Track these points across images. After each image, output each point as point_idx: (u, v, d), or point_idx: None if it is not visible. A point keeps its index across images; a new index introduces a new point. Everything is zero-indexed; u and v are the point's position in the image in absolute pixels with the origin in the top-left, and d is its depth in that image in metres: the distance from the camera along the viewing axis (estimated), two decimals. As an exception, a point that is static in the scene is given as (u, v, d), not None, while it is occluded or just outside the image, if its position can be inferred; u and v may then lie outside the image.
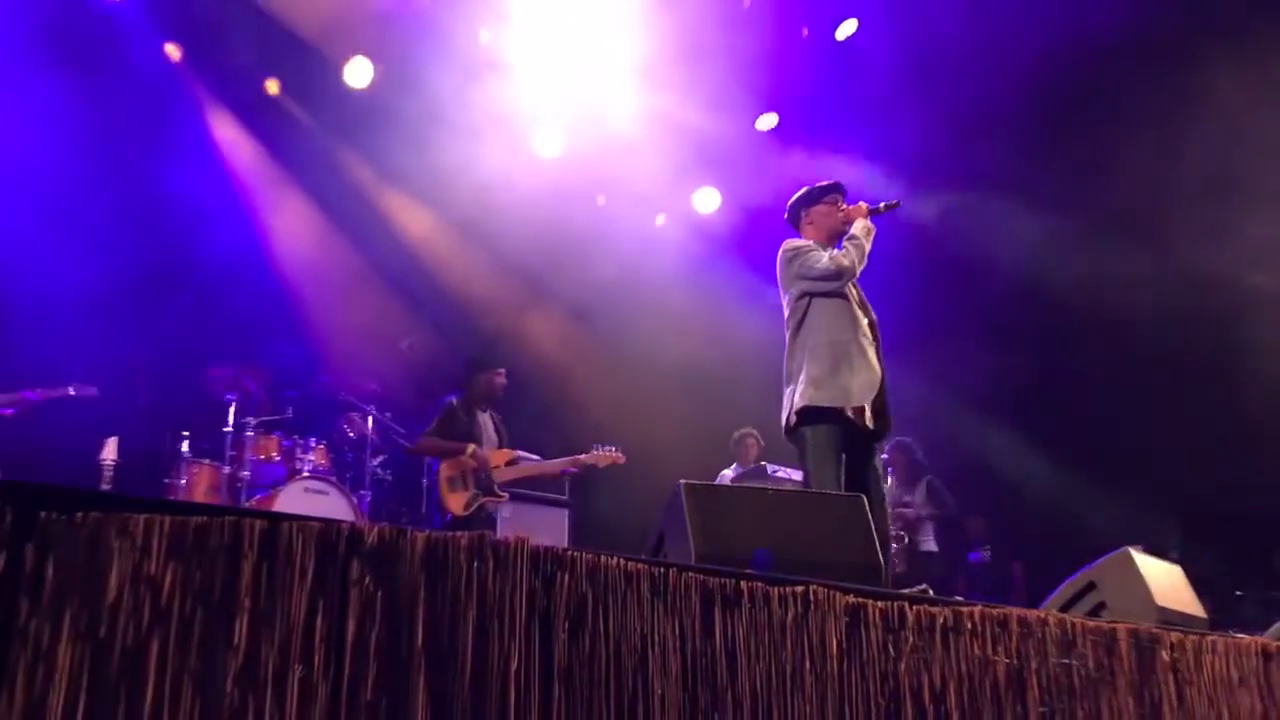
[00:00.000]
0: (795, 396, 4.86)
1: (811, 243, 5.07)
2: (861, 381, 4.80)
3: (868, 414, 4.86)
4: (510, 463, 6.97)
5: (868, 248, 4.98)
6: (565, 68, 9.13)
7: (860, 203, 5.16)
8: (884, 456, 8.47)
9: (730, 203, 9.91)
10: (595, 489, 8.19)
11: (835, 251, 4.96)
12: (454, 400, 7.00)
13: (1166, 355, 8.23)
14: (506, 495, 6.86)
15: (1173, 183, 7.75)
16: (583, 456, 7.08)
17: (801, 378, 4.85)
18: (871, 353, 4.89)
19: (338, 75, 8.75)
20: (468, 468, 6.74)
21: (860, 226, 5.02)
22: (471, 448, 6.75)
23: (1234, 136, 7.57)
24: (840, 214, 5.14)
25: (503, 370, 7.15)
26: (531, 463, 7.11)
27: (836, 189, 5.24)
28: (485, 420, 7.07)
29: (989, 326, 8.88)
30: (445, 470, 6.79)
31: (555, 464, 7.12)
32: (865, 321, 4.98)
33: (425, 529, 2.31)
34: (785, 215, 5.34)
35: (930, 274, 8.52)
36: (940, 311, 8.63)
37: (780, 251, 5.08)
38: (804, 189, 5.29)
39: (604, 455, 7.06)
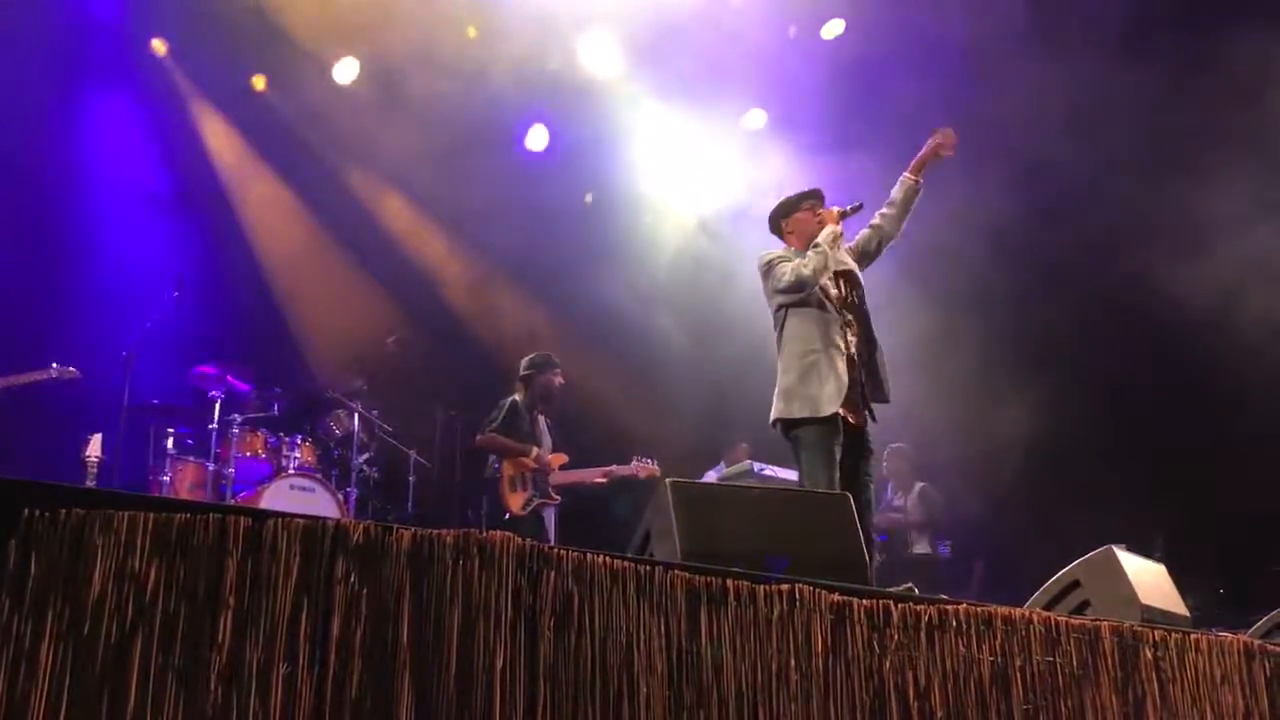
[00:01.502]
0: (773, 408, 4.93)
1: (782, 252, 5.14)
2: (829, 390, 4.81)
3: (852, 414, 4.88)
4: (562, 467, 7.13)
5: (831, 253, 5.00)
6: (551, 64, 9.12)
7: (832, 208, 5.20)
8: (884, 464, 8.56)
9: (719, 200, 9.91)
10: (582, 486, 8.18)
11: (798, 261, 5.00)
12: (517, 399, 7.03)
13: (1155, 355, 8.27)
14: (560, 499, 6.97)
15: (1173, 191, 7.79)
16: (626, 467, 7.33)
17: (777, 389, 4.94)
18: (842, 363, 4.90)
19: (325, 72, 8.72)
20: (529, 469, 6.82)
21: (825, 233, 5.05)
22: (536, 451, 6.86)
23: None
24: (817, 220, 5.16)
25: (560, 370, 7.19)
26: (580, 470, 7.31)
27: (814, 195, 5.28)
28: (543, 424, 7.13)
29: (976, 325, 8.88)
30: (507, 469, 6.87)
31: (599, 472, 7.33)
32: (843, 325, 4.96)
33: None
34: (768, 225, 5.37)
35: (919, 267, 8.52)
36: (925, 306, 8.63)
37: (757, 264, 5.14)
38: (782, 198, 5.33)
39: (643, 467, 7.33)
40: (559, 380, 7.15)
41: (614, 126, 9.50)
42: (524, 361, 7.20)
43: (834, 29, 9.12)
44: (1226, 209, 7.62)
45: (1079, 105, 8.27)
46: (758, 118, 9.58)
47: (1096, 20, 8.13)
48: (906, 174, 5.27)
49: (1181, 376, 8.13)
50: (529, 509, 6.78)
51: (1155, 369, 8.28)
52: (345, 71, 8.73)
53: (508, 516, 6.77)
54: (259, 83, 8.77)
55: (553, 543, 5.89)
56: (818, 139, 8.91)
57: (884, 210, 5.30)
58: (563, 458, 7.11)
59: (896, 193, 5.26)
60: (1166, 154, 7.98)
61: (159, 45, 8.31)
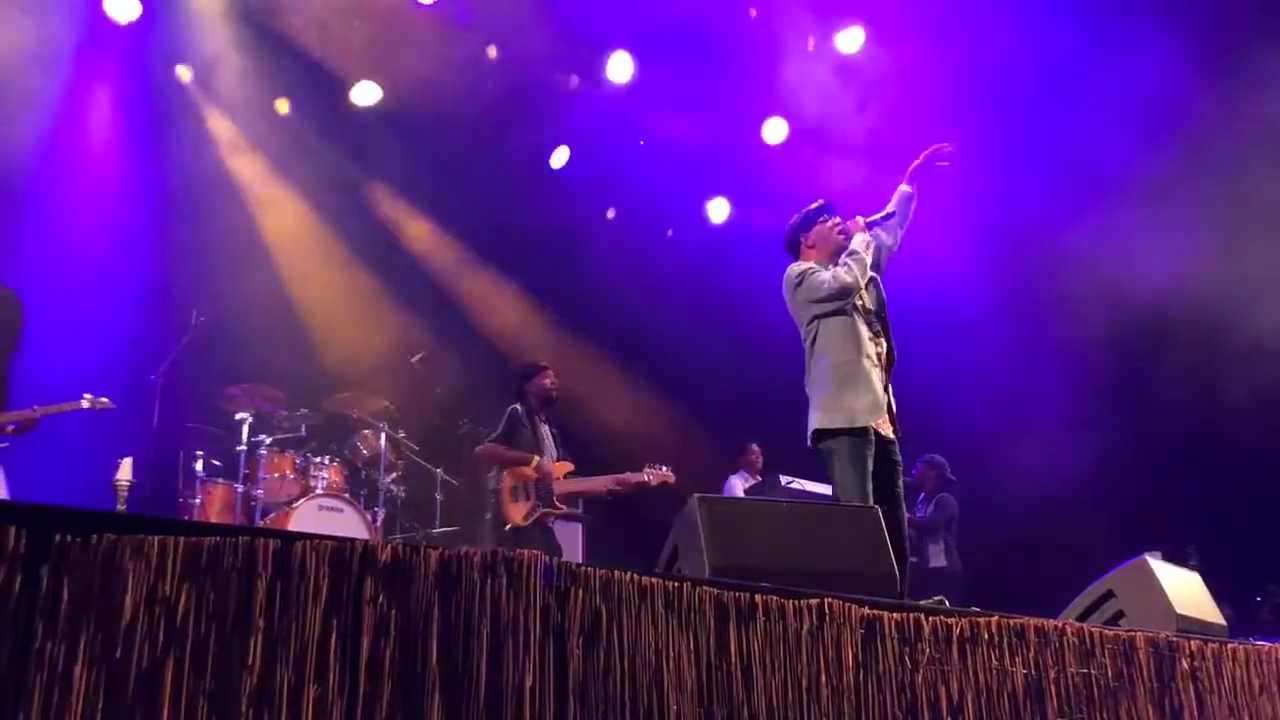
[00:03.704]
0: (809, 420, 4.89)
1: (814, 264, 5.08)
2: (866, 403, 4.78)
3: (885, 426, 4.85)
4: (568, 476, 6.90)
5: (869, 260, 4.98)
6: (572, 81, 9.17)
7: (857, 216, 5.16)
8: (914, 472, 8.54)
9: (740, 212, 9.92)
10: (610, 501, 8.18)
11: (838, 269, 4.96)
12: (518, 408, 6.97)
13: (1182, 358, 8.19)
14: (565, 508, 6.81)
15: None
16: (637, 475, 6.89)
17: (813, 402, 4.90)
18: (876, 374, 4.87)
19: (345, 94, 8.79)
20: (530, 479, 6.71)
21: (859, 240, 5.03)
22: (536, 460, 6.71)
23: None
24: (839, 231, 5.14)
25: (550, 371, 7.13)
26: (587, 479, 7.02)
27: (828, 208, 5.25)
28: (546, 432, 7.04)
29: (993, 327, 8.84)
30: (508, 480, 6.74)
31: (608, 480, 6.98)
32: (874, 335, 4.95)
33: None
34: (784, 245, 5.33)
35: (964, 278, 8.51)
36: (946, 306, 8.60)
37: (785, 278, 5.10)
38: (796, 216, 5.30)
39: (656, 474, 6.87)
40: (549, 382, 7.06)
41: (635, 141, 9.54)
42: (516, 372, 7.19)
43: (852, 42, 9.09)
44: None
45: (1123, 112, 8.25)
46: (779, 128, 9.58)
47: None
48: (902, 184, 5.25)
49: (1217, 378, 8.04)
50: (532, 519, 6.61)
51: (1189, 372, 8.20)
52: (366, 94, 8.80)
53: (508, 528, 6.60)
54: (282, 106, 8.84)
55: (566, 556, 5.76)
56: (839, 149, 8.91)
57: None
58: (568, 466, 6.90)
59: (893, 204, 5.24)
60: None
61: (184, 71, 8.40)
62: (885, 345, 5.01)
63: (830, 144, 9.10)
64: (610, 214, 10.03)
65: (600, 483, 6.96)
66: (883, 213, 5.21)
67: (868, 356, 4.87)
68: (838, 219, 5.17)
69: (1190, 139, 7.87)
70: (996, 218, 8.49)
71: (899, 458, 4.94)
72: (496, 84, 8.88)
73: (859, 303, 4.97)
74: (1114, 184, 8.29)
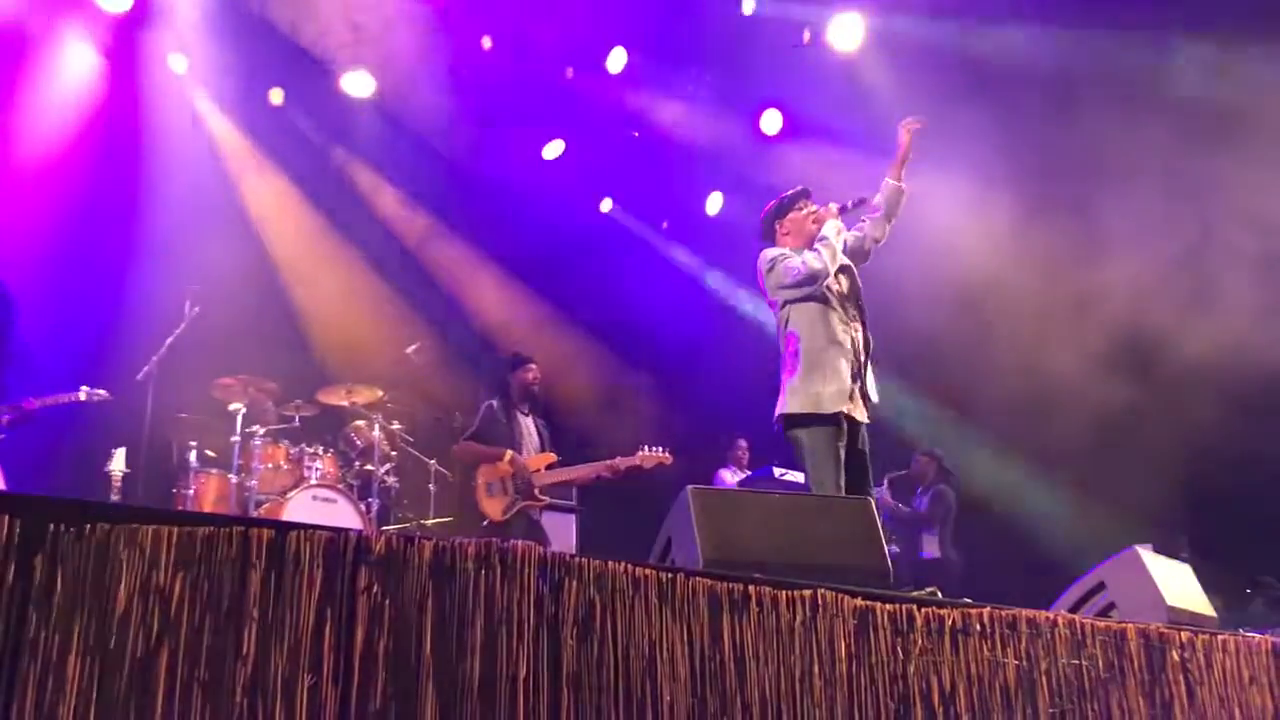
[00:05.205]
0: (777, 404, 4.91)
1: (787, 250, 5.09)
2: (833, 390, 4.79)
3: (856, 410, 4.85)
4: (550, 466, 6.79)
5: (839, 246, 4.98)
6: (568, 71, 9.16)
7: (830, 203, 5.16)
8: (913, 465, 8.56)
9: (734, 205, 9.92)
10: (603, 493, 8.20)
11: (808, 254, 4.97)
12: (493, 403, 6.91)
13: (1176, 350, 8.21)
14: (547, 499, 6.73)
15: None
16: (630, 459, 6.72)
17: (781, 386, 4.92)
18: (845, 360, 4.87)
19: (338, 84, 8.77)
20: (505, 474, 6.66)
21: (830, 227, 5.03)
22: (510, 455, 6.65)
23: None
24: (813, 218, 5.14)
25: (533, 365, 7.07)
26: (572, 468, 6.89)
27: (804, 194, 5.25)
28: (528, 423, 6.94)
29: (990, 318, 8.85)
30: (482, 476, 6.67)
31: (599, 467, 6.82)
32: (846, 321, 4.94)
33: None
34: (761, 229, 5.33)
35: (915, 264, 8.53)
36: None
37: (759, 263, 5.12)
38: (773, 202, 5.31)
39: (650, 456, 6.69)
40: (532, 375, 7.00)
41: (629, 132, 9.53)
42: (500, 363, 7.15)
43: (848, 31, 9.05)
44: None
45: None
46: (774, 121, 9.56)
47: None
48: (888, 178, 5.20)
49: (1208, 371, 8.06)
50: (510, 513, 6.55)
51: (1180, 363, 8.22)
52: (360, 84, 8.77)
53: (485, 523, 6.53)
54: (276, 96, 8.82)
55: (559, 547, 5.72)
56: (834, 141, 8.90)
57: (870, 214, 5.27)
58: (549, 457, 6.82)
59: (879, 197, 5.23)
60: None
61: (178, 61, 8.36)
62: (860, 332, 5.00)
63: (827, 135, 9.08)
64: (605, 206, 10.03)
65: (587, 470, 6.81)
66: (855, 200, 5.16)
67: (838, 343, 4.86)
68: (814, 206, 5.17)
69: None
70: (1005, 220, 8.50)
71: (867, 446, 4.91)
72: (491, 75, 8.86)
73: (833, 288, 4.97)
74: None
